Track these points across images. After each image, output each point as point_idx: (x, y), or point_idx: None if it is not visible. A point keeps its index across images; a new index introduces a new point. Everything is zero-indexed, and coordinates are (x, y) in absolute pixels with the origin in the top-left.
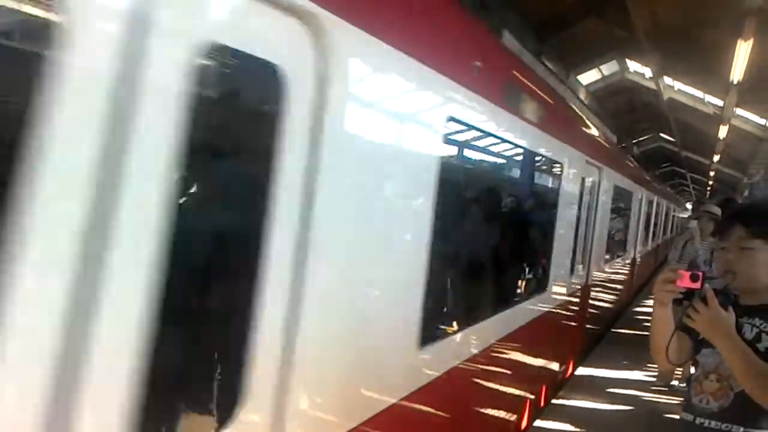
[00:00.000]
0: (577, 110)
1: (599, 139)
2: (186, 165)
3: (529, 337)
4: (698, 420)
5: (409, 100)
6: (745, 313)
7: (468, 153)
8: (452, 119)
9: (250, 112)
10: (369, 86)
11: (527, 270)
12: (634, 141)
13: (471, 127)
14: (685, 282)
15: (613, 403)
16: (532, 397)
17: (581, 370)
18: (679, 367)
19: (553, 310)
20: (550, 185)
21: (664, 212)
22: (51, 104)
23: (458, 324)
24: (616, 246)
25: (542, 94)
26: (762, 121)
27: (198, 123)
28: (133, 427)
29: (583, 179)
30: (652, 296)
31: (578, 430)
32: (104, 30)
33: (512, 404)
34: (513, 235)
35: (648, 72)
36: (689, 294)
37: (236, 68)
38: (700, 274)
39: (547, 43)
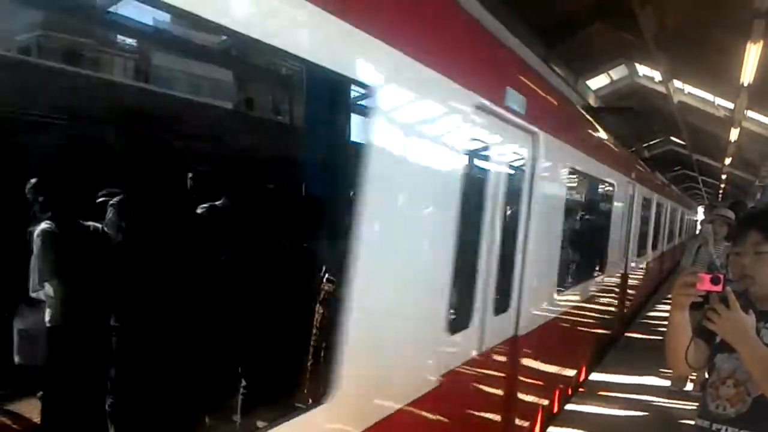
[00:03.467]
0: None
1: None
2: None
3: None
4: (714, 426)
5: None
6: (762, 318)
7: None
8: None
9: None
10: None
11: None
12: (644, 145)
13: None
14: (705, 285)
15: (626, 409)
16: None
17: (595, 376)
18: (696, 371)
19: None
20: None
21: (679, 216)
22: None
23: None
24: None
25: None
26: None
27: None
28: None
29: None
30: (669, 300)
31: None
32: None
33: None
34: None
35: (657, 75)
36: (707, 298)
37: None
38: (721, 276)
39: (555, 49)
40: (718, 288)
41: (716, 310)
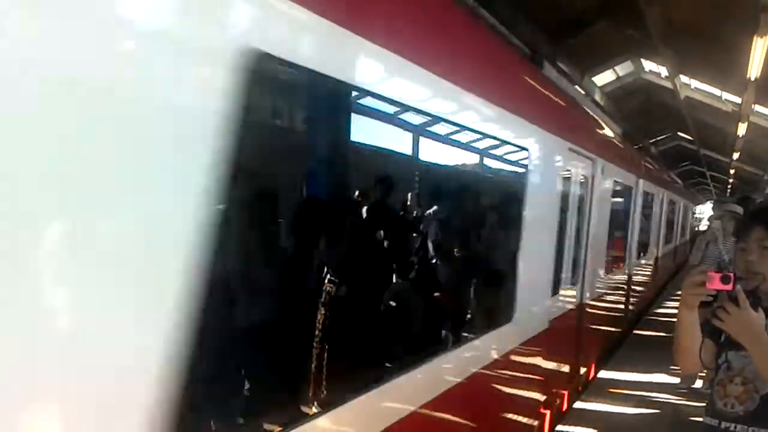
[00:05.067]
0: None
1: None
2: None
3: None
4: (723, 424)
5: None
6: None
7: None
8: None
9: None
10: None
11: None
12: (651, 141)
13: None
14: (715, 284)
15: (635, 406)
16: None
17: (603, 374)
18: (708, 369)
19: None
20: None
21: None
22: None
23: None
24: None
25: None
26: None
27: None
28: None
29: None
30: (678, 298)
31: None
32: None
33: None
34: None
35: (663, 71)
36: (716, 296)
37: None
38: (732, 275)
39: (560, 46)
40: (729, 287)
41: (726, 309)
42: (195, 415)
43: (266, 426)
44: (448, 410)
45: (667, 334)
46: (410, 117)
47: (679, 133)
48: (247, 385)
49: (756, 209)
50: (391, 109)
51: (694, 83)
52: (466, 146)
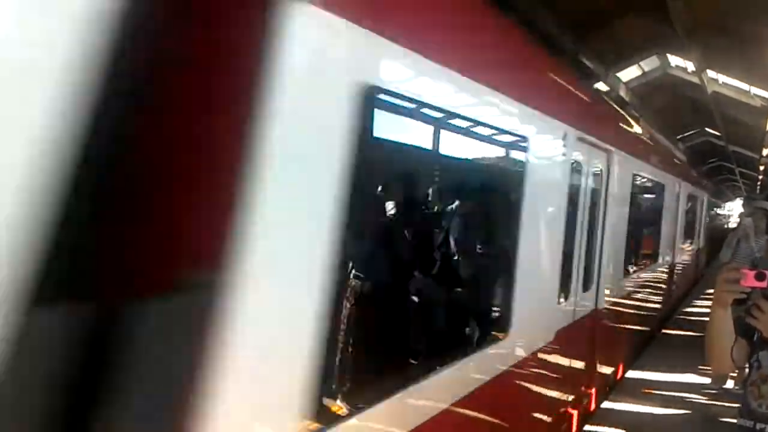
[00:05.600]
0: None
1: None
2: None
3: None
4: (758, 425)
5: None
6: None
7: None
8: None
9: None
10: None
11: None
12: (678, 137)
13: None
14: (749, 281)
15: (666, 407)
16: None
17: (632, 374)
18: (740, 369)
19: None
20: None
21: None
22: None
23: None
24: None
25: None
26: None
27: None
28: None
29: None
30: (710, 296)
31: None
32: None
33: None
34: None
35: (690, 66)
36: (749, 294)
37: None
38: (766, 272)
39: (585, 42)
40: (763, 284)
41: (760, 307)
42: None
43: None
44: None
45: (697, 334)
46: None
47: (707, 129)
48: None
49: None
50: None
51: (722, 78)
52: None
